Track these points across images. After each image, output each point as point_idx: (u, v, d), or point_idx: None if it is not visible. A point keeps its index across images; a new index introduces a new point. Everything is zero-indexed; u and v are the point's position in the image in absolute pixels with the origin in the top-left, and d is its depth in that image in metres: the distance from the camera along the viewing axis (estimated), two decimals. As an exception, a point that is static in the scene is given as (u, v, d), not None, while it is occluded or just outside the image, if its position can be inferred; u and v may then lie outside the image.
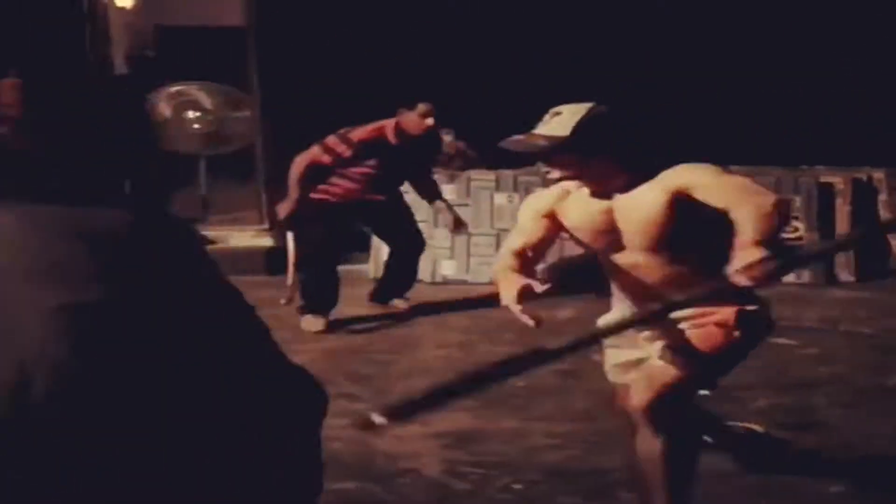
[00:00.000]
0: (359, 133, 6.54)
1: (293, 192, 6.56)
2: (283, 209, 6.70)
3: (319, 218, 6.54)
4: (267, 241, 8.16)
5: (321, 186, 6.57)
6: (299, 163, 6.54)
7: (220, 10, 9.31)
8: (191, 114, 8.87)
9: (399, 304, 7.17)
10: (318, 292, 6.70)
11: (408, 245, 7.03)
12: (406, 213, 7.06)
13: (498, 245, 7.16)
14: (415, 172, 6.96)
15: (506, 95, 7.96)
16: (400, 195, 7.00)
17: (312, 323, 6.61)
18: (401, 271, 7.14)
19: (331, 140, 6.56)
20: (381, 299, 7.19)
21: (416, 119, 6.52)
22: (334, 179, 6.57)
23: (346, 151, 6.50)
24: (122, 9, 9.91)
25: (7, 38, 7.89)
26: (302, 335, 6.38)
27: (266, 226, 6.92)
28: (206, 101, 8.10)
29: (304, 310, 6.67)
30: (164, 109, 8.67)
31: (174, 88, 8.97)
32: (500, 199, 8.00)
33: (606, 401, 3.76)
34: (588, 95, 3.32)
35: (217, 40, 9.16)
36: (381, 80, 7.81)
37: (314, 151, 6.55)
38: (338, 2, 8.16)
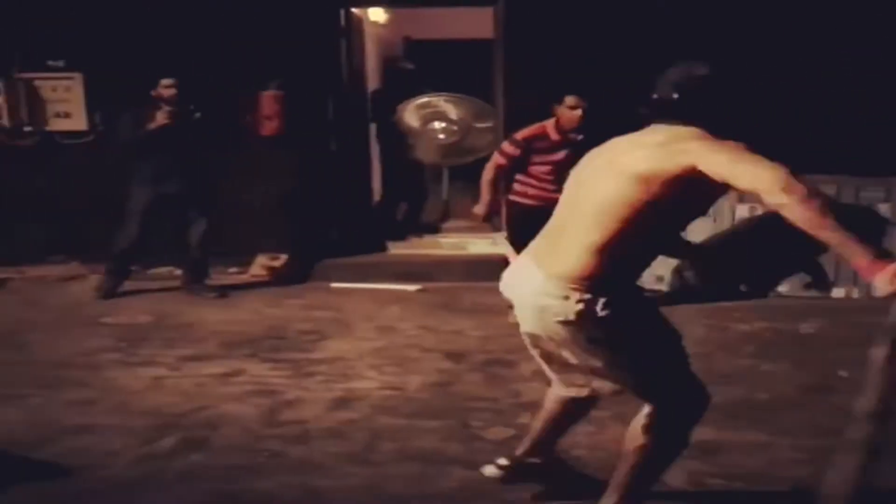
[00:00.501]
0: (523, 132, 6.90)
1: (483, 194, 6.99)
2: (478, 210, 7.12)
3: (522, 219, 6.73)
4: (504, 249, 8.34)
5: (518, 189, 6.95)
6: (486, 168, 7.00)
7: (472, 23, 9.52)
8: (437, 124, 9.14)
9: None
10: None
11: None
12: None
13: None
14: None
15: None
16: None
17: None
18: None
19: (504, 144, 7.00)
20: None
21: (566, 112, 6.75)
22: (523, 180, 6.92)
23: (515, 151, 6.86)
24: (375, 23, 10.31)
25: (269, 52, 8.35)
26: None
27: (504, 234, 7.09)
28: (453, 112, 8.32)
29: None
30: (412, 120, 8.93)
31: (422, 100, 9.24)
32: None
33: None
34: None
35: (464, 52, 9.37)
36: (624, 95, 7.79)
37: (495, 155, 7.00)
38: (590, 16, 8.16)
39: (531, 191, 6.87)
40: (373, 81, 9.92)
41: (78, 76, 8.49)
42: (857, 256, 2.88)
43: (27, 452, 4.48)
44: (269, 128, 8.43)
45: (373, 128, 9.73)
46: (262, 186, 8.57)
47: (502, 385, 5.52)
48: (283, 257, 8.59)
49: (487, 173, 6.97)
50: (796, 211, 2.88)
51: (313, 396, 5.31)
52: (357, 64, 9.22)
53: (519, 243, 7.12)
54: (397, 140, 9.50)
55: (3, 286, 8.29)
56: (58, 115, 8.58)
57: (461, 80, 8.15)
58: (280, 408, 5.12)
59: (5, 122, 8.51)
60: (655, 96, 3.36)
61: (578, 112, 6.68)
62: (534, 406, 5.11)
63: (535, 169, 6.85)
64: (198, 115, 7.69)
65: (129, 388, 5.48)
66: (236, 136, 8.26)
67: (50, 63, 8.54)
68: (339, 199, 8.91)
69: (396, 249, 8.92)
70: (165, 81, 7.51)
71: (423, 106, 9.19)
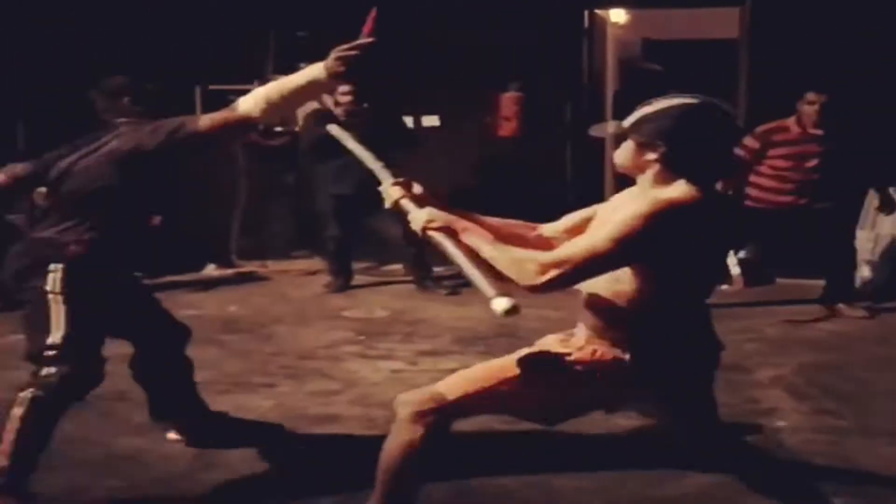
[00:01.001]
0: (763, 126, 7.01)
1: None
2: None
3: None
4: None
5: (753, 194, 7.04)
6: None
7: (716, 23, 9.38)
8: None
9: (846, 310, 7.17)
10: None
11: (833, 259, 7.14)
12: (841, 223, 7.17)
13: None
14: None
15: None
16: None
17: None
18: (832, 279, 7.23)
19: (745, 138, 7.05)
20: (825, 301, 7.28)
21: (804, 108, 6.85)
22: (758, 183, 7.03)
23: (754, 144, 7.00)
24: (615, 24, 10.28)
25: (510, 53, 8.48)
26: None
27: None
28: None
29: None
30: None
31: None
32: None
33: None
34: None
35: (703, 52, 9.25)
36: (870, 92, 7.56)
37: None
38: (837, 14, 7.92)
39: (765, 183, 6.96)
40: (612, 83, 9.93)
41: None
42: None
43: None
44: (507, 129, 8.57)
45: (610, 129, 9.72)
46: (497, 186, 8.71)
47: (738, 391, 5.42)
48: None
49: None
50: None
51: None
52: (598, 65, 9.25)
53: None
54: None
55: (249, 279, 8.75)
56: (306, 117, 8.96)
57: (701, 81, 8.01)
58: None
59: (258, 122, 8.96)
60: None
61: (816, 107, 6.73)
62: (772, 413, 5.03)
63: (773, 163, 6.91)
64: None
65: (368, 381, 5.68)
66: (475, 136, 8.45)
67: (302, 66, 8.92)
68: (571, 202, 8.95)
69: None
70: (343, 89, 7.67)
71: (662, 108, 9.10)
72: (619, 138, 3.22)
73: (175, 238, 7.51)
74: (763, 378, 5.58)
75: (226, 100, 8.79)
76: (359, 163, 3.84)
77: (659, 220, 2.91)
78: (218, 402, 4.79)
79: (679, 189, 3.00)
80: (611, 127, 3.35)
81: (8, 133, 9.16)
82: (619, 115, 9.41)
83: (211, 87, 9.02)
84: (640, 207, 2.96)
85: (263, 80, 8.92)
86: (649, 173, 3.09)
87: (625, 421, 4.93)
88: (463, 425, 3.34)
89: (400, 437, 3.22)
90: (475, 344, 6.47)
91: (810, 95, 6.80)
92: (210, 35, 8.88)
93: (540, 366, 3.26)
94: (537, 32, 8.46)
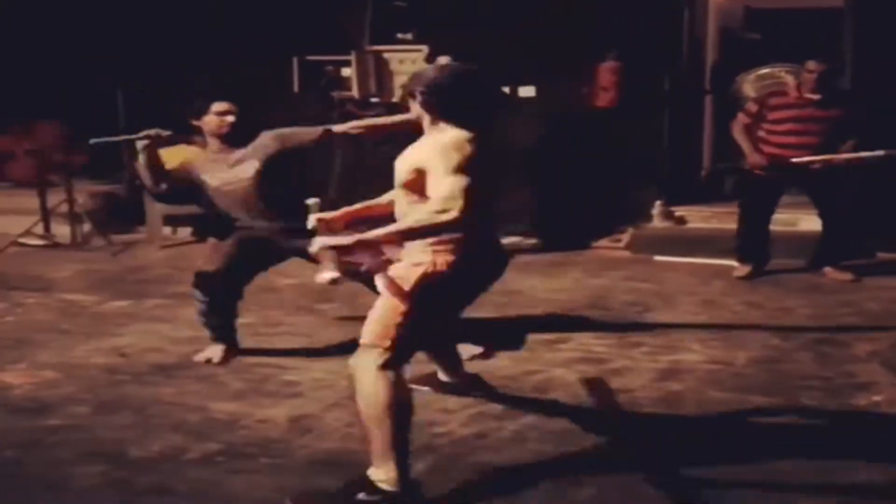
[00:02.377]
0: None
1: (745, 146, 7.32)
2: (756, 160, 7.28)
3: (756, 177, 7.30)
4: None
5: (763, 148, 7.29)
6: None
7: (817, -10, 9.18)
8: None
9: (833, 273, 7.40)
10: (745, 244, 7.59)
11: (832, 214, 7.36)
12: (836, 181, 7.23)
13: None
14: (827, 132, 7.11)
15: None
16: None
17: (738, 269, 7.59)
18: (827, 239, 7.45)
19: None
20: (814, 264, 7.55)
21: (804, 76, 7.12)
22: (762, 138, 7.27)
23: (753, 106, 7.37)
24: (717, -8, 10.09)
25: (609, 22, 8.39)
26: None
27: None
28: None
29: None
30: (749, 91, 8.72)
31: (762, 70, 8.98)
32: None
33: None
34: None
35: (808, 21, 9.03)
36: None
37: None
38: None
39: (770, 146, 7.23)
40: (711, 53, 9.75)
41: (425, 49, 8.84)
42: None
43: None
44: (604, 99, 8.49)
45: (708, 100, 9.58)
46: (594, 157, 8.67)
47: (835, 365, 5.33)
48: (629, 231, 8.66)
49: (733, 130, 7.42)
50: None
51: (640, 367, 5.33)
52: (698, 34, 9.11)
53: (752, 214, 7.53)
54: (732, 112, 9.33)
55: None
56: (403, 87, 8.99)
57: (804, 50, 7.86)
58: (607, 376, 5.18)
59: (354, 93, 8.99)
60: None
61: (814, 76, 7.00)
62: (870, 387, 4.94)
63: (772, 127, 7.20)
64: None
65: (463, 352, 5.69)
66: (571, 107, 8.41)
67: (399, 36, 8.95)
68: (670, 172, 8.87)
69: (721, 223, 8.73)
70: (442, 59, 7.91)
71: (762, 77, 8.94)
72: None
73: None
74: (860, 352, 5.47)
75: (321, 70, 8.95)
76: None
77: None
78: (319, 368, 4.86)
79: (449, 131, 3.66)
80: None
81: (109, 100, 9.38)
82: (719, 84, 9.34)
83: (308, 57, 9.09)
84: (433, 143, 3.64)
85: (360, 52, 9.02)
86: (425, 121, 3.77)
87: (715, 393, 4.90)
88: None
89: (367, 390, 3.60)
90: (567, 315, 6.45)
91: (810, 64, 7.05)
92: (307, 5, 8.93)
93: (417, 289, 3.62)
94: (638, 1, 8.36)
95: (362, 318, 3.76)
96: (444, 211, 3.42)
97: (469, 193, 3.42)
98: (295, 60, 9.09)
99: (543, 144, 8.78)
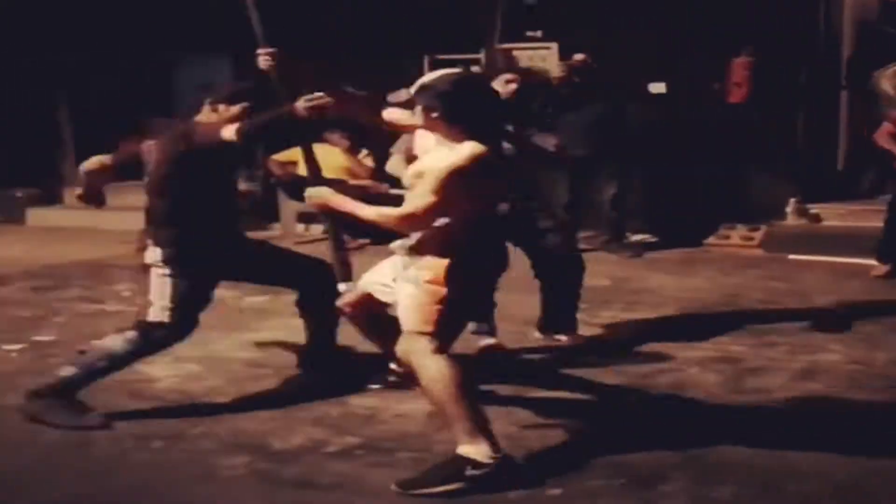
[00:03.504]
0: None
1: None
2: None
3: None
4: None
5: None
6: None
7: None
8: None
9: None
10: (890, 243, 7.42)
11: None
12: None
13: None
14: None
15: None
16: None
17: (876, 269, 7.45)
18: None
19: None
20: None
21: None
22: None
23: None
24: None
25: (744, 18, 8.27)
26: None
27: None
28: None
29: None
30: (888, 87, 8.50)
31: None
32: None
33: None
34: None
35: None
36: None
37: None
38: None
39: None
40: (848, 47, 9.54)
41: (554, 46, 8.85)
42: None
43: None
44: (736, 95, 8.40)
45: (844, 95, 9.37)
46: (725, 154, 8.57)
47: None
48: (763, 228, 8.55)
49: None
50: None
51: (777, 366, 5.26)
52: (834, 28, 8.93)
53: None
54: (868, 107, 9.12)
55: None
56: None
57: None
58: (743, 375, 5.13)
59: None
60: None
61: None
62: None
63: None
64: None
65: (594, 348, 5.69)
66: (703, 102, 8.33)
67: (529, 34, 8.98)
68: (804, 169, 8.71)
69: (858, 221, 8.53)
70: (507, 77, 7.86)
71: (896, 73, 8.73)
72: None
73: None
74: None
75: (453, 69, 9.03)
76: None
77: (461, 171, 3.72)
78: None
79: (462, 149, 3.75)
80: (404, 94, 4.04)
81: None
82: (855, 79, 9.15)
83: (438, 56, 9.17)
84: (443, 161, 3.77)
85: (490, 50, 9.07)
86: (437, 130, 3.89)
87: (855, 394, 4.81)
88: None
89: (433, 373, 3.74)
90: (699, 314, 6.40)
91: None
92: (438, 4, 9.01)
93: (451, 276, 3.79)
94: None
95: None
96: (403, 219, 3.81)
97: (428, 214, 3.76)
98: (425, 59, 9.19)
99: (673, 141, 8.72)
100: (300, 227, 9.83)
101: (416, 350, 3.80)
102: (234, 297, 7.03)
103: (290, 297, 6.95)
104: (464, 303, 3.89)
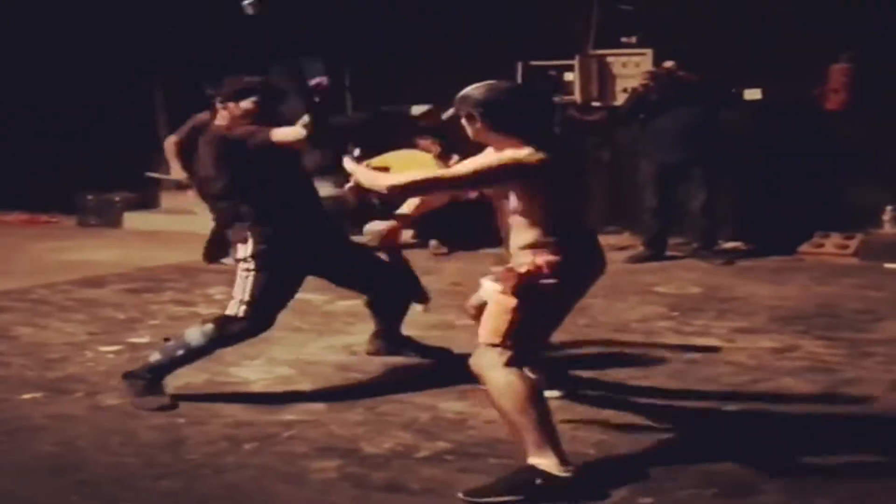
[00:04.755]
0: None
1: None
2: None
3: None
4: None
5: None
6: None
7: None
8: None
9: None
10: None
11: None
12: None
13: None
14: None
15: None
16: None
17: None
18: None
19: None
20: None
21: None
22: None
23: None
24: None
25: (842, 23, 8.12)
26: None
27: None
28: None
29: None
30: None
31: None
32: None
33: None
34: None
35: None
36: None
37: None
38: None
39: None
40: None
41: (649, 52, 8.77)
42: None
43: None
44: (834, 101, 8.24)
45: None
46: (821, 163, 8.45)
47: None
48: (858, 237, 8.39)
49: None
50: None
51: (874, 377, 5.15)
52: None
53: None
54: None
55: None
56: (624, 91, 8.93)
57: None
58: (839, 386, 5.03)
59: (577, 97, 9.01)
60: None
61: None
62: None
63: None
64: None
65: (685, 356, 5.64)
66: (800, 108, 8.22)
67: (623, 40, 8.92)
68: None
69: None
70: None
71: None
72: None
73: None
74: None
75: (544, 75, 9.01)
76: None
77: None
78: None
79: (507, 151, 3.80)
80: (450, 111, 4.10)
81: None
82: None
83: (531, 62, 9.15)
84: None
85: (584, 55, 9.03)
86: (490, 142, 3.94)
87: None
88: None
89: (501, 386, 3.73)
90: (793, 323, 6.30)
91: None
92: (531, 9, 9.00)
93: (523, 287, 3.78)
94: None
95: (579, 322, 3.80)
96: (421, 182, 3.98)
97: (449, 184, 4.02)
98: (519, 65, 9.17)
99: (767, 147, 8.61)
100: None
101: (485, 363, 3.79)
102: (326, 301, 7.09)
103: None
104: (537, 315, 3.84)
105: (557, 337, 4.98)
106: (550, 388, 4.72)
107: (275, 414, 4.80)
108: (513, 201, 3.82)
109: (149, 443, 4.46)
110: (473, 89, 3.91)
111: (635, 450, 4.22)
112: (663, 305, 6.86)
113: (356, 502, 3.78)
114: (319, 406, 4.90)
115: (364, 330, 6.25)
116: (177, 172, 8.56)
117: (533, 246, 3.83)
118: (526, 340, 3.84)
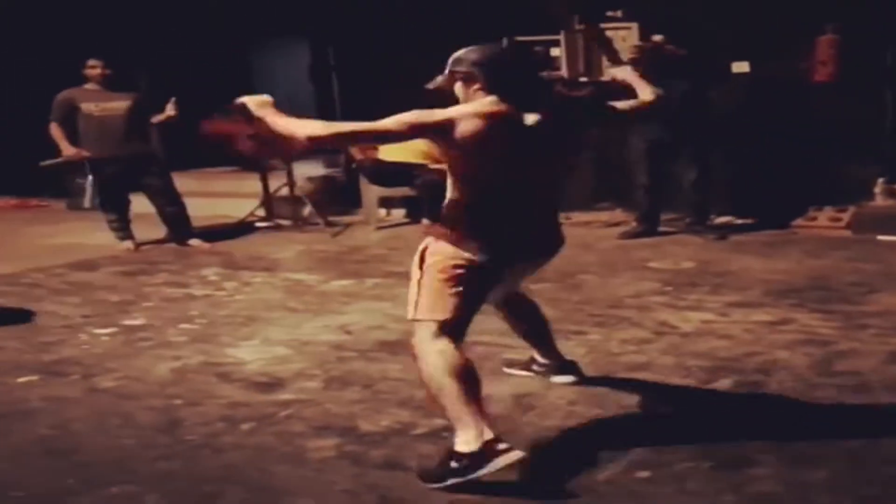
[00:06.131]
0: None
1: None
2: None
3: None
4: None
5: None
6: None
7: None
8: None
9: None
10: None
11: None
12: None
13: None
14: None
15: None
16: None
17: None
18: None
19: None
20: None
21: None
22: None
23: None
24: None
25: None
26: None
27: None
28: None
29: None
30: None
31: None
32: None
33: None
34: None
35: None
36: None
37: None
38: None
39: None
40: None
41: (634, 26, 8.76)
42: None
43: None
44: (822, 73, 8.23)
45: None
46: (811, 134, 8.44)
47: None
48: (850, 209, 8.40)
49: None
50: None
51: (868, 349, 5.16)
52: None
53: None
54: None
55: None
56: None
57: None
58: (833, 358, 5.04)
59: (563, 73, 8.99)
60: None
61: None
62: None
63: None
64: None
65: (679, 331, 5.65)
66: (788, 82, 8.21)
67: (609, 14, 8.90)
68: (891, 147, 8.53)
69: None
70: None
71: None
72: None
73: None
74: None
75: (531, 50, 8.98)
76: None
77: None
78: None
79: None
80: (440, 79, 3.93)
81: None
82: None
83: (517, 38, 9.11)
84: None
85: (569, 31, 9.00)
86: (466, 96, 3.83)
87: None
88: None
89: (432, 357, 3.69)
90: (787, 296, 6.30)
91: None
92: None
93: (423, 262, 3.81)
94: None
95: (573, 298, 3.79)
96: (327, 135, 3.69)
97: (351, 136, 3.93)
98: (504, 40, 9.13)
99: (757, 121, 8.61)
100: (382, 211, 9.89)
101: (418, 339, 3.76)
102: (321, 281, 7.10)
103: (373, 281, 7.07)
104: (443, 291, 3.75)
105: (551, 313, 5.02)
106: (561, 373, 4.74)
107: (271, 394, 4.81)
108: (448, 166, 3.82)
109: (146, 424, 4.46)
110: (469, 51, 3.85)
111: (631, 424, 4.23)
112: (657, 281, 6.86)
113: (354, 480, 3.78)
114: (316, 385, 4.91)
115: (359, 309, 6.28)
116: (67, 150, 8.61)
117: (445, 218, 3.83)
118: (442, 313, 3.74)
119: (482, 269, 3.79)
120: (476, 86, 3.78)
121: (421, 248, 3.86)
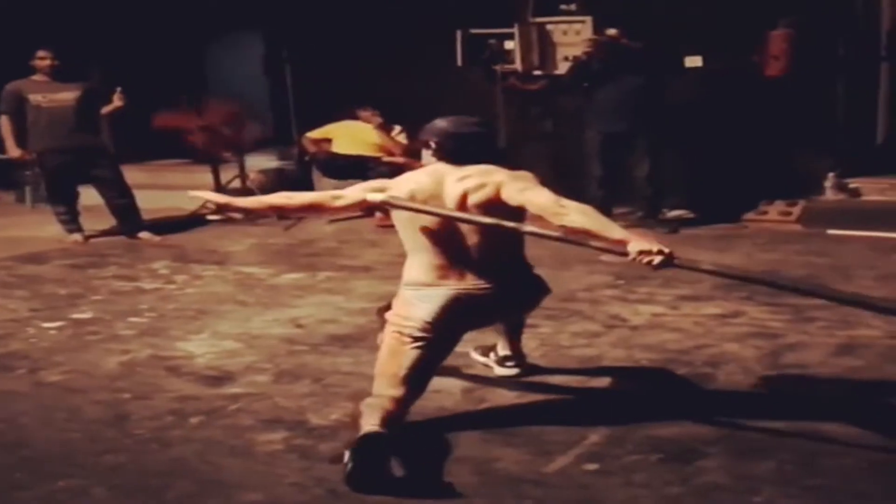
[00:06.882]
0: None
1: None
2: None
3: None
4: None
5: None
6: None
7: None
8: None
9: None
10: None
11: None
12: None
13: None
14: None
15: None
16: None
17: None
18: None
19: None
20: None
21: None
22: None
23: None
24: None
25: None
26: None
27: None
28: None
29: None
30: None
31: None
32: None
33: None
34: None
35: None
36: None
37: None
38: None
39: None
40: (887, 18, 9.41)
41: (588, 20, 8.78)
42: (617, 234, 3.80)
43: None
44: (775, 67, 8.29)
45: (884, 68, 9.25)
46: (764, 128, 8.51)
47: None
48: (801, 203, 8.48)
49: None
50: (575, 218, 3.81)
51: (815, 341, 5.21)
52: (872, 1, 8.81)
53: None
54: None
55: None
56: (566, 59, 8.94)
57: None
58: (781, 351, 5.09)
59: (518, 66, 9.00)
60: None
61: None
62: None
63: None
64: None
65: (630, 324, 5.68)
66: (741, 76, 8.27)
67: (563, 7, 8.92)
68: (842, 142, 8.62)
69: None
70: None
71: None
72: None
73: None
74: None
75: (485, 43, 8.99)
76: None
77: None
78: (482, 341, 4.91)
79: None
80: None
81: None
82: (894, 52, 9.00)
83: (472, 31, 9.12)
84: None
85: (524, 24, 9.01)
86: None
87: (894, 369, 4.77)
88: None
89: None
90: (737, 289, 6.32)
91: None
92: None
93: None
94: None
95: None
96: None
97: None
98: (459, 34, 9.14)
99: (709, 115, 8.66)
100: (335, 204, 9.83)
101: None
102: (272, 274, 7.06)
103: (326, 274, 7.04)
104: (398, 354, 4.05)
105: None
106: (505, 364, 4.75)
107: (220, 388, 4.78)
108: None
109: (93, 418, 4.41)
110: (439, 121, 4.28)
111: (580, 417, 4.23)
112: (609, 274, 6.88)
113: (303, 474, 3.76)
114: (266, 379, 4.88)
115: (310, 303, 6.25)
116: (12, 151, 8.53)
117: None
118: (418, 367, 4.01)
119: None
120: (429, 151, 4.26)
121: None
